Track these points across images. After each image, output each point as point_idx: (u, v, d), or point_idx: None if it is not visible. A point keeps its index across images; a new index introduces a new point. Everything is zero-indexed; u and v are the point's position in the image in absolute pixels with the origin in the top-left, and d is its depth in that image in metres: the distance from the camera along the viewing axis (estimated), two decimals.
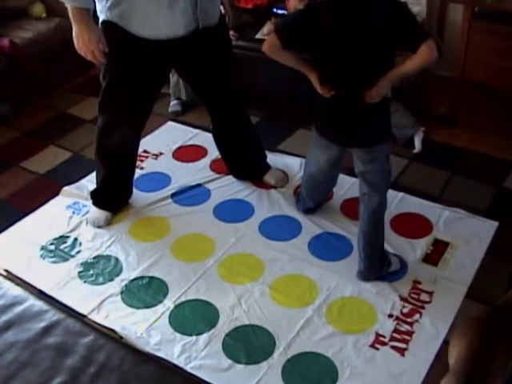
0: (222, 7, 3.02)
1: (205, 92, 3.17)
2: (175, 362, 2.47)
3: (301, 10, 2.60)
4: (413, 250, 2.96)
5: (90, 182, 3.44)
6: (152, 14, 2.65)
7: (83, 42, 2.70)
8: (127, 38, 2.72)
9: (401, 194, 3.31)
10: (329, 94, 2.52)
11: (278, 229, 3.13)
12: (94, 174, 3.29)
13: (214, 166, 3.61)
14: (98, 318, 2.67)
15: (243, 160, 3.46)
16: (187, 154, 3.76)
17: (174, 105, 4.18)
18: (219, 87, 3.11)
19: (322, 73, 2.52)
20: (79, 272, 2.93)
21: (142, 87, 2.90)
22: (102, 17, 2.74)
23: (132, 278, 2.88)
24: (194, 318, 2.67)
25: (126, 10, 2.65)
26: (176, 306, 2.72)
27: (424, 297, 2.72)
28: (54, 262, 2.99)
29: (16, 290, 2.55)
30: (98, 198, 3.25)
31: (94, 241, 3.11)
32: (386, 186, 2.75)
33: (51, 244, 3.10)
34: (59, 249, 3.06)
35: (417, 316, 2.63)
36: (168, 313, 2.69)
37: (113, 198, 3.26)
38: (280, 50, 2.48)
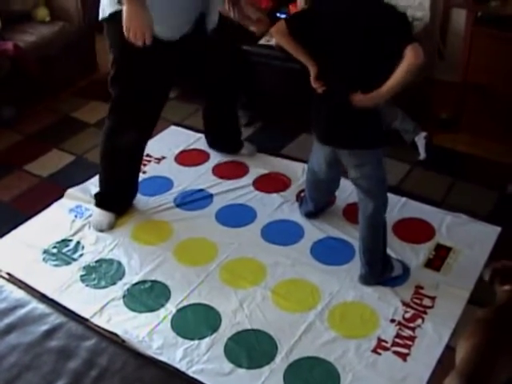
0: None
1: (204, 83, 3.38)
2: (177, 365, 2.47)
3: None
4: (415, 254, 2.96)
5: (93, 186, 3.43)
6: (168, 13, 2.71)
7: (137, 23, 2.59)
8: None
9: (403, 199, 3.30)
10: (320, 89, 2.57)
11: (281, 233, 3.13)
12: (97, 177, 3.30)
13: (217, 171, 3.61)
14: (100, 321, 2.67)
15: (225, 136, 3.74)
16: (190, 158, 3.76)
17: None
18: (218, 79, 3.30)
19: (320, 68, 2.56)
20: (81, 275, 2.93)
21: (155, 89, 2.98)
22: (115, 8, 2.73)
23: (134, 281, 2.88)
24: (196, 322, 2.67)
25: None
26: (178, 310, 2.72)
27: (426, 302, 2.71)
28: (56, 266, 2.99)
29: (18, 293, 2.55)
30: (102, 199, 3.25)
31: (96, 244, 3.11)
32: (380, 193, 2.74)
33: (54, 247, 3.10)
34: (62, 252, 3.07)
35: (419, 321, 2.63)
36: (170, 317, 2.69)
37: (116, 199, 3.26)
38: (287, 35, 2.54)
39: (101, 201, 3.25)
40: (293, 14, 2.68)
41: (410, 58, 2.30)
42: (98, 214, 3.23)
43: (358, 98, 2.45)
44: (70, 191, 3.46)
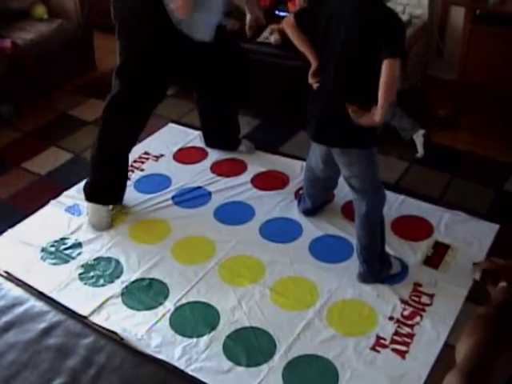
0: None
1: (205, 83, 3.41)
2: (176, 364, 2.47)
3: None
4: (413, 252, 2.96)
5: None
6: (208, 15, 2.88)
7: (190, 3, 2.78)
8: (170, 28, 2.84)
9: (401, 197, 3.31)
10: (315, 84, 2.60)
11: (279, 231, 3.13)
12: None
13: (215, 168, 3.61)
14: (98, 319, 2.67)
15: (224, 133, 3.74)
16: (188, 155, 3.76)
17: None
18: (222, 78, 3.34)
19: (320, 64, 2.58)
20: (80, 274, 2.93)
21: (159, 84, 3.04)
22: None
23: (133, 279, 2.88)
24: (194, 320, 2.67)
25: None
26: (176, 308, 2.72)
27: (425, 299, 2.72)
28: (54, 264, 2.99)
29: (16, 291, 2.55)
30: (92, 192, 3.20)
31: (94, 243, 3.10)
32: (373, 192, 2.72)
33: (52, 246, 3.09)
34: (60, 250, 3.06)
35: (417, 318, 2.63)
36: (169, 315, 2.69)
37: (106, 191, 3.22)
38: (295, 28, 2.57)
39: (90, 194, 3.20)
40: (300, 8, 2.74)
41: (384, 71, 2.31)
42: (94, 213, 3.19)
43: (351, 110, 2.45)
44: (66, 193, 3.44)
